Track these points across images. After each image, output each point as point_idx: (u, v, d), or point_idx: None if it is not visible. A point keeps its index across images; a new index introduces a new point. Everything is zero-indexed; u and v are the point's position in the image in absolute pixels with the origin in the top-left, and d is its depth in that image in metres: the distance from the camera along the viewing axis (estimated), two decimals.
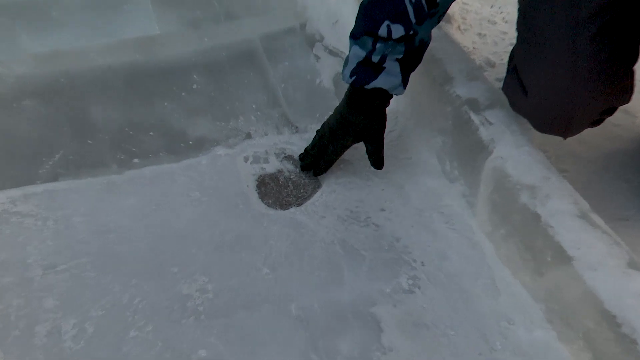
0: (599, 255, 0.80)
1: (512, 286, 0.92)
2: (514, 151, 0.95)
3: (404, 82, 1.00)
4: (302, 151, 1.12)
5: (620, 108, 0.98)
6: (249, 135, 1.18)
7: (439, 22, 0.99)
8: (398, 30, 0.93)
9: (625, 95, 0.94)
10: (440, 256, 0.97)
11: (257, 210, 1.03)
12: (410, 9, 0.91)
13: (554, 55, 0.87)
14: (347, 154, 1.10)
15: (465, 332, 0.87)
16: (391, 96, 1.03)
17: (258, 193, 1.07)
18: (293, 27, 1.44)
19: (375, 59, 0.96)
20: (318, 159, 1.08)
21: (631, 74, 0.94)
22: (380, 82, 0.98)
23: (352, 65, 0.99)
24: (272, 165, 1.12)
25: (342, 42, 1.36)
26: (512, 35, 1.36)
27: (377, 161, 1.08)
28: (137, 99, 1.24)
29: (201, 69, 1.32)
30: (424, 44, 0.99)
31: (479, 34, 1.41)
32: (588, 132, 1.00)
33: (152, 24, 1.44)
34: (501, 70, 1.29)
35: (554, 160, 1.08)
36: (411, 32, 0.94)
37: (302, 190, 1.08)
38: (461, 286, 0.93)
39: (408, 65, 0.99)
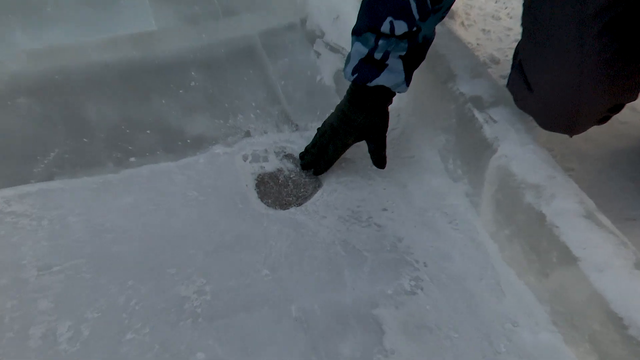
0: (606, 255, 0.80)
1: (517, 287, 0.92)
2: (519, 149, 0.95)
3: (407, 80, 1.00)
4: (303, 150, 1.11)
5: (628, 105, 0.98)
6: (248, 134, 1.18)
7: (443, 18, 0.98)
8: (401, 27, 0.93)
9: (633, 92, 0.94)
10: (443, 257, 0.97)
11: (257, 210, 1.03)
12: (413, 4, 0.91)
13: (560, 51, 0.87)
14: (349, 153, 1.10)
15: (468, 334, 0.87)
16: (394, 94, 1.03)
17: (257, 192, 1.07)
18: (293, 22, 1.44)
19: (377, 56, 0.96)
20: (319, 158, 1.08)
21: (638, 71, 0.94)
22: (382, 79, 0.98)
23: (354, 63, 0.98)
24: (272, 164, 1.12)
25: (343, 38, 1.36)
26: (517, 31, 1.37)
27: (379, 160, 1.08)
28: (134, 96, 1.24)
29: (199, 65, 1.32)
30: (428, 41, 0.99)
31: (483, 30, 1.41)
32: (594, 130, 1.00)
33: (149, 20, 1.43)
34: (506, 67, 1.29)
35: (560, 158, 1.08)
36: (414, 29, 0.94)
37: (302, 190, 1.08)
38: (465, 287, 0.93)
39: (411, 62, 0.99)
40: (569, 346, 0.83)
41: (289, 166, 1.12)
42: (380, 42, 0.95)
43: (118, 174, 1.08)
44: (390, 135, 1.12)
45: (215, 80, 1.29)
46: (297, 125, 1.21)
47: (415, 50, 0.98)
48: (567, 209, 0.86)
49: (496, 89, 1.07)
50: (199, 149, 1.14)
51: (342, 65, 1.32)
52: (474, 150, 1.03)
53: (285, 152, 1.14)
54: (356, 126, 1.04)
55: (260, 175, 1.10)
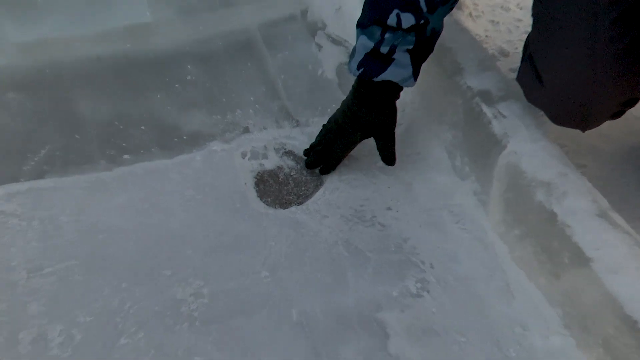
0: (620, 256, 0.80)
1: (527, 290, 0.92)
2: (529, 146, 0.95)
3: (415, 74, 1.00)
4: (305, 146, 1.11)
5: None
6: (246, 130, 1.18)
7: (451, 9, 0.98)
8: (408, 19, 0.92)
9: None
10: (450, 258, 0.97)
11: (256, 210, 1.03)
12: None
13: (572, 42, 0.87)
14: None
15: (477, 338, 0.86)
16: (401, 89, 1.03)
17: (256, 191, 1.07)
18: (293, 14, 1.44)
19: (384, 49, 0.96)
20: (324, 156, 1.08)
21: None
22: (389, 74, 0.98)
23: (359, 57, 0.98)
24: (272, 161, 1.12)
25: (345, 30, 1.35)
26: (527, 23, 1.36)
27: (388, 157, 1.08)
28: (128, 91, 1.24)
29: (196, 59, 1.32)
30: (436, 34, 0.99)
31: (492, 21, 1.41)
32: (608, 125, 1.00)
33: (143, 11, 1.43)
34: (515, 60, 1.28)
35: (572, 155, 1.08)
36: (422, 21, 0.93)
37: (303, 188, 1.08)
38: (473, 290, 0.93)
39: (419, 56, 0.99)
40: (581, 351, 0.83)
41: (289, 163, 1.12)
42: (387, 35, 0.95)
43: (111, 172, 1.08)
44: (395, 131, 1.12)
45: (212, 74, 1.29)
46: (297, 120, 1.21)
47: (423, 44, 0.98)
48: (580, 207, 0.86)
49: (505, 83, 1.06)
50: (195, 146, 1.14)
51: (344, 59, 1.32)
52: (482, 147, 1.03)
53: (285, 149, 1.14)
54: (363, 123, 1.04)
55: (259, 173, 1.10)
